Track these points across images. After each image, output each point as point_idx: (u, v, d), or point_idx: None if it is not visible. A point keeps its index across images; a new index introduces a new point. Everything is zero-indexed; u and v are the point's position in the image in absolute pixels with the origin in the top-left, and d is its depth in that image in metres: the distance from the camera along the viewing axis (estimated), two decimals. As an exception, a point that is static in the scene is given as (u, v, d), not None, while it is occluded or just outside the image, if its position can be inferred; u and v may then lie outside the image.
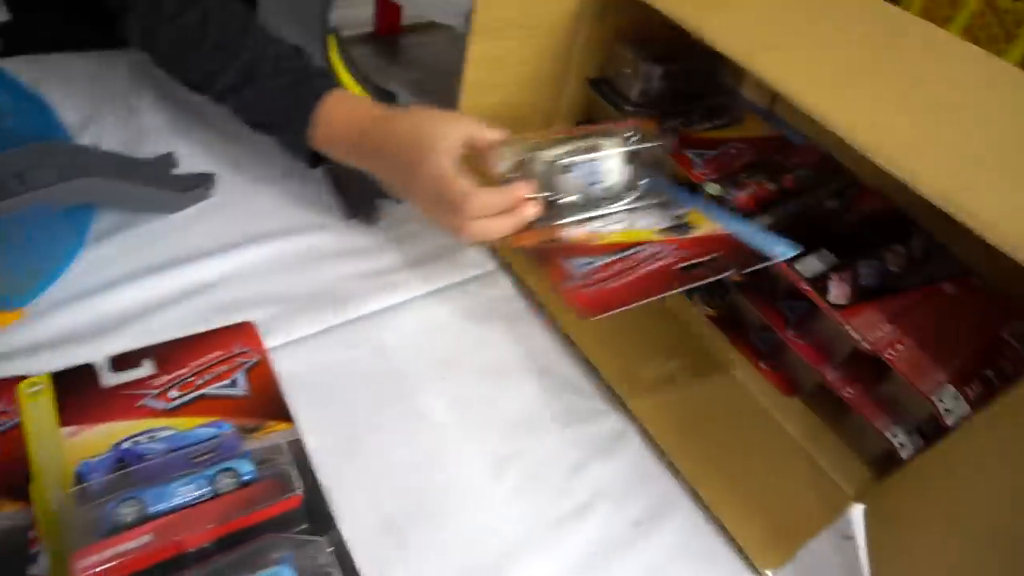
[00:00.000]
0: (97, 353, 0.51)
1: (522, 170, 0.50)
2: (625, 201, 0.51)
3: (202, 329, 0.54)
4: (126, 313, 0.54)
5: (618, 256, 0.48)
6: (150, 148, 0.65)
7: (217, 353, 0.52)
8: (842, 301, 0.52)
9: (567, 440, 0.53)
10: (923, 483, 0.49)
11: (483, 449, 0.52)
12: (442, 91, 0.61)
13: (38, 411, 0.47)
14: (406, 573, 0.45)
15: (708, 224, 0.49)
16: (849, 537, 0.52)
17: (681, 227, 0.49)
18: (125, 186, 0.56)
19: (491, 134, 0.51)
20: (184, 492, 0.42)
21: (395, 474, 0.49)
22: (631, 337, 0.60)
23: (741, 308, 0.61)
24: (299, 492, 0.44)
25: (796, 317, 0.56)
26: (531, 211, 0.49)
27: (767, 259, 0.46)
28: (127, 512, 0.41)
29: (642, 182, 0.52)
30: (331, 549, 0.43)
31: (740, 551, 0.49)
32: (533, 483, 0.51)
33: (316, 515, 0.45)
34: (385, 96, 0.67)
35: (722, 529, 0.50)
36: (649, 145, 0.52)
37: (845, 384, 0.53)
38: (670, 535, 0.49)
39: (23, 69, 0.68)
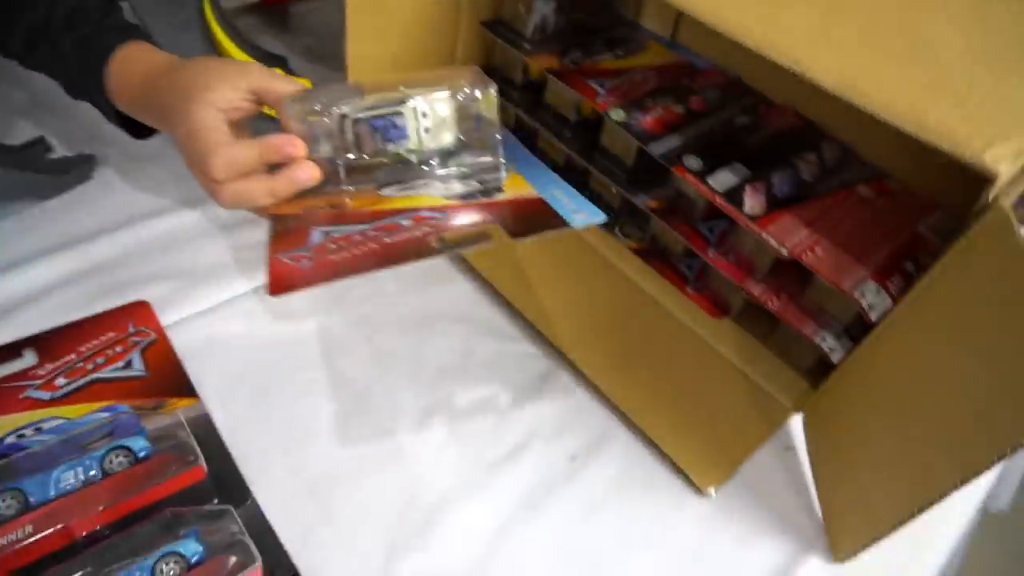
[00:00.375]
0: (-27, 351, 0.47)
1: (311, 127, 0.41)
2: (435, 163, 0.42)
3: (82, 316, 0.50)
4: (5, 304, 0.50)
5: (374, 225, 0.39)
6: (21, 135, 0.60)
7: (109, 335, 0.48)
8: (757, 211, 0.51)
9: (496, 384, 0.51)
10: (856, 382, 0.48)
11: (409, 402, 0.49)
12: (334, 56, 0.58)
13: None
14: (332, 535, 0.42)
15: (521, 188, 0.41)
16: (790, 448, 0.51)
17: (487, 192, 0.41)
18: (-11, 170, 0.51)
19: (282, 85, 0.43)
20: (69, 477, 0.39)
21: (314, 438, 0.46)
22: (553, 276, 0.58)
23: (662, 236, 0.60)
24: (200, 463, 0.41)
25: (716, 237, 0.55)
26: (304, 174, 0.40)
27: (564, 224, 0.38)
28: (6, 505, 0.37)
29: (468, 138, 0.42)
30: (242, 519, 0.40)
31: (681, 473, 0.47)
32: (463, 431, 0.48)
33: (227, 487, 0.42)
34: (274, 60, 0.64)
35: (661, 455, 0.48)
36: (469, 96, 0.42)
37: (770, 296, 0.52)
38: (608, 466, 0.47)
39: None
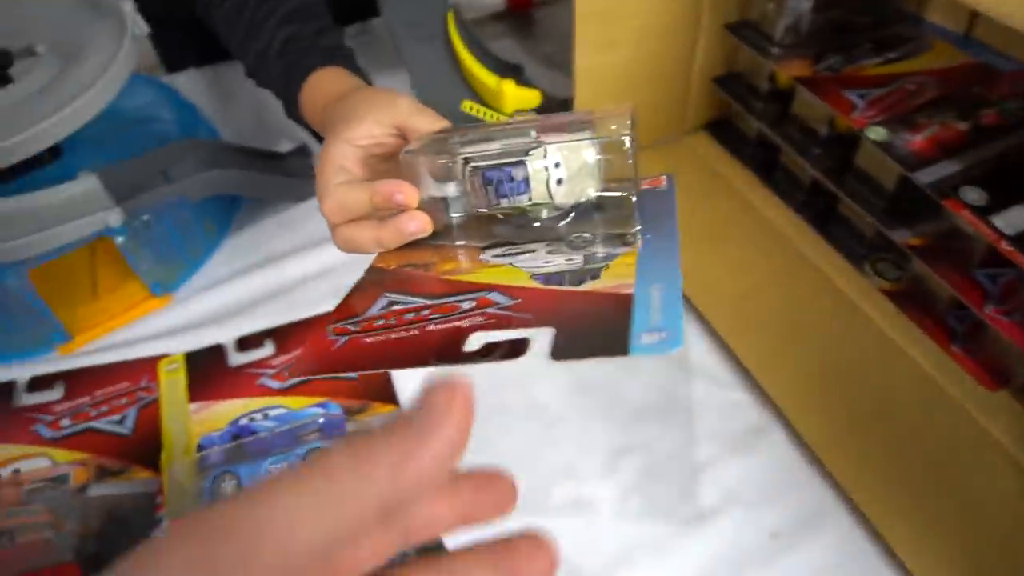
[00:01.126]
0: (231, 334, 0.54)
1: (438, 171, 0.35)
2: (560, 223, 0.34)
3: (322, 311, 0.54)
4: (259, 296, 0.57)
5: (439, 301, 0.31)
6: (288, 144, 0.68)
7: (332, 334, 0.53)
8: (1063, 264, 0.39)
9: (698, 434, 0.46)
10: None
11: (601, 439, 0.47)
12: (571, 62, 0.57)
13: (173, 387, 0.50)
14: (501, 570, 0.41)
15: (620, 274, 0.30)
16: (1082, 575, 0.39)
17: (581, 273, 0.31)
18: (257, 176, 0.58)
19: (424, 122, 0.38)
20: (274, 470, 0.43)
21: (502, 463, 0.46)
22: (781, 316, 0.51)
23: (927, 279, 0.49)
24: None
25: (999, 289, 0.44)
26: (412, 225, 0.35)
27: (621, 349, 0.26)
28: (227, 485, 0.42)
29: (610, 194, 0.33)
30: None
31: (914, 580, 0.39)
32: (654, 480, 0.44)
33: (410, 501, 0.43)
34: (510, 70, 0.64)
35: (888, 551, 0.40)
36: (617, 144, 0.33)
37: (1073, 374, 0.41)
38: (817, 553, 0.40)
39: (172, 81, 0.76)
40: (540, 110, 0.64)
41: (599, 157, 0.32)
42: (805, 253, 0.55)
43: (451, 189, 0.35)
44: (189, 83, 0.76)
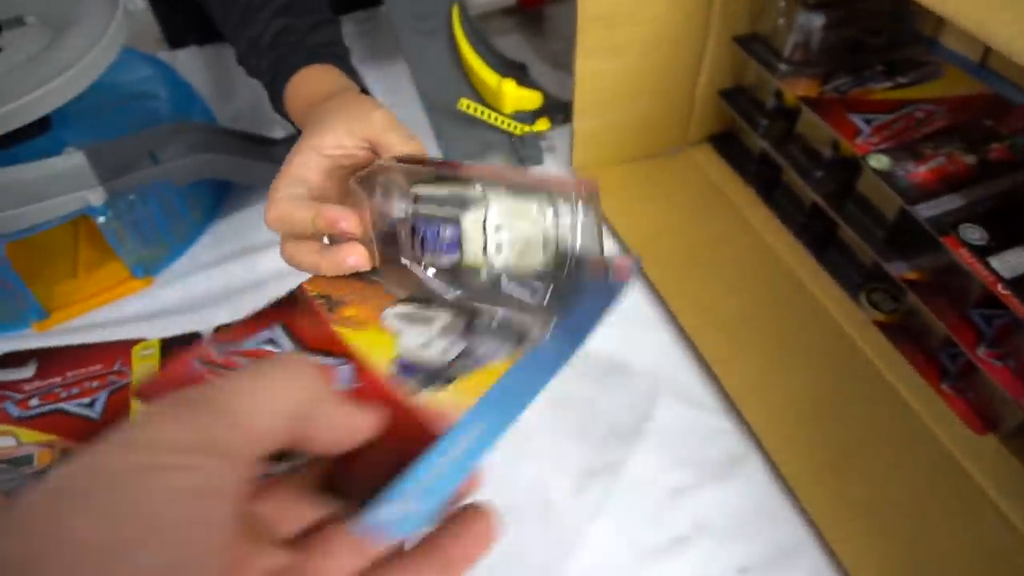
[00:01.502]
0: (210, 322, 0.53)
1: (377, 203, 0.33)
2: (484, 290, 0.30)
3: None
4: (241, 285, 0.56)
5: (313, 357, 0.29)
6: (282, 130, 0.66)
7: (311, 330, 0.52)
8: (1061, 312, 0.38)
9: (673, 459, 0.45)
10: None
11: (571, 458, 0.46)
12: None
13: (144, 373, 0.50)
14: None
15: (471, 390, 0.25)
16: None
17: (442, 374, 0.27)
18: (247, 162, 0.57)
19: (396, 140, 0.36)
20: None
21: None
22: (769, 341, 0.50)
23: (921, 314, 0.48)
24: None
25: (994, 331, 0.43)
26: (351, 259, 0.33)
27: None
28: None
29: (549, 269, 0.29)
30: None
31: (884, 628, 0.38)
32: (623, 504, 0.43)
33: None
34: (514, 68, 0.63)
35: (861, 595, 0.39)
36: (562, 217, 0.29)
37: (1063, 425, 0.39)
38: (786, 592, 0.39)
39: (173, 57, 0.75)
40: (541, 111, 0.63)
41: (547, 227, 0.29)
42: (801, 278, 0.53)
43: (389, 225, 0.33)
44: (189, 60, 0.75)
